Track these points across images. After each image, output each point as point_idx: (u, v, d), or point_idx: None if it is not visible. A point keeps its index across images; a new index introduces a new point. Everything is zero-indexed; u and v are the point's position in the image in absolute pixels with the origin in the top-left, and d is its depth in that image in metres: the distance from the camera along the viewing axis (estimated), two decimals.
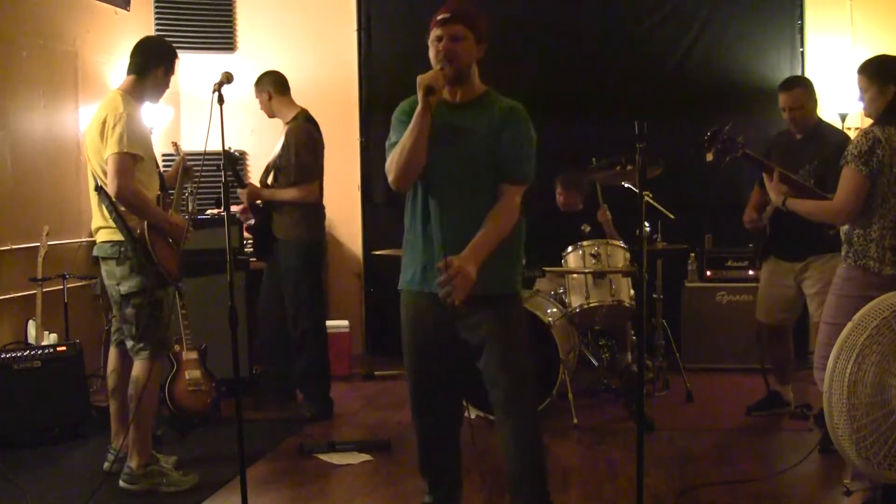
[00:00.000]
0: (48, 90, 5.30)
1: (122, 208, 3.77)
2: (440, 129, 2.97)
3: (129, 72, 3.95)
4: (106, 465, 4.02)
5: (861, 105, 3.65)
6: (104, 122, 3.74)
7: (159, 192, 3.96)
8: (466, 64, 3.01)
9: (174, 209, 4.01)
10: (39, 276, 4.79)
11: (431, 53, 3.01)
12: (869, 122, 3.66)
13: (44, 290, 4.81)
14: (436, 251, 2.99)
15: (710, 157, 4.15)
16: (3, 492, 3.82)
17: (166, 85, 4.03)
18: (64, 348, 4.66)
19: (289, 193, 4.92)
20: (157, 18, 6.50)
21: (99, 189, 3.83)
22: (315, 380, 5.06)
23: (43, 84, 5.26)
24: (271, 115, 5.07)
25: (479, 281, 2.90)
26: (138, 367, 3.86)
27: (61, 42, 5.46)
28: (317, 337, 5.08)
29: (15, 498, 3.75)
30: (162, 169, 4.22)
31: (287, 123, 4.98)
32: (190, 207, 5.04)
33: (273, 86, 5.00)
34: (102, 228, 3.87)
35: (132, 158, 3.72)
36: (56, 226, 5.06)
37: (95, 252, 3.94)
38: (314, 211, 5.06)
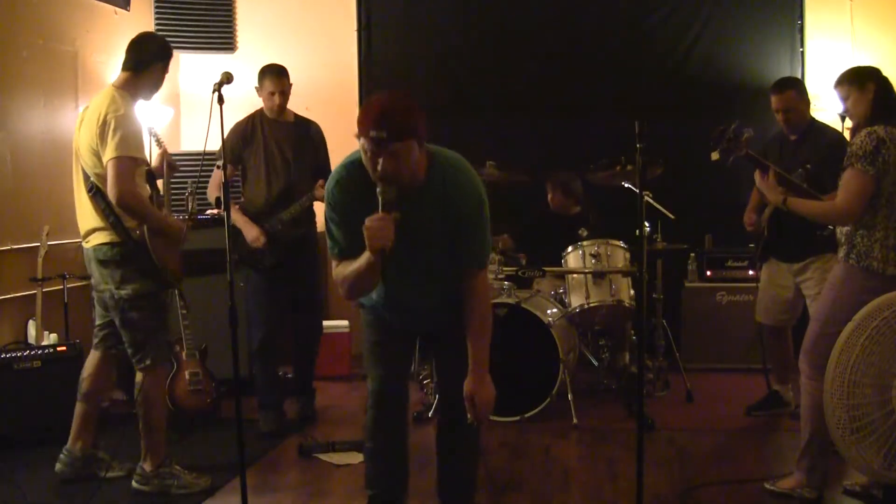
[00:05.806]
0: (48, 90, 5.30)
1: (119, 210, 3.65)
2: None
3: (125, 68, 3.82)
4: (58, 466, 3.91)
5: (847, 120, 3.66)
6: (105, 123, 3.60)
7: (150, 192, 3.85)
8: (413, 171, 2.71)
9: (167, 209, 3.91)
10: (39, 276, 4.79)
11: (367, 165, 2.67)
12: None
13: (44, 290, 4.81)
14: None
15: (715, 156, 4.12)
16: (3, 492, 3.82)
17: (162, 82, 3.93)
18: (64, 348, 4.66)
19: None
20: (157, 18, 6.49)
21: (93, 190, 3.70)
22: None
23: (43, 84, 5.26)
24: (282, 109, 4.85)
25: (441, 321, 3.04)
26: (148, 381, 3.77)
27: (61, 42, 5.45)
28: None
29: (15, 498, 3.75)
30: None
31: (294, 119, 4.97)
32: (190, 207, 5.02)
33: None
34: (98, 230, 3.74)
35: (133, 162, 3.62)
36: (56, 226, 5.05)
37: (94, 255, 3.77)
38: None
